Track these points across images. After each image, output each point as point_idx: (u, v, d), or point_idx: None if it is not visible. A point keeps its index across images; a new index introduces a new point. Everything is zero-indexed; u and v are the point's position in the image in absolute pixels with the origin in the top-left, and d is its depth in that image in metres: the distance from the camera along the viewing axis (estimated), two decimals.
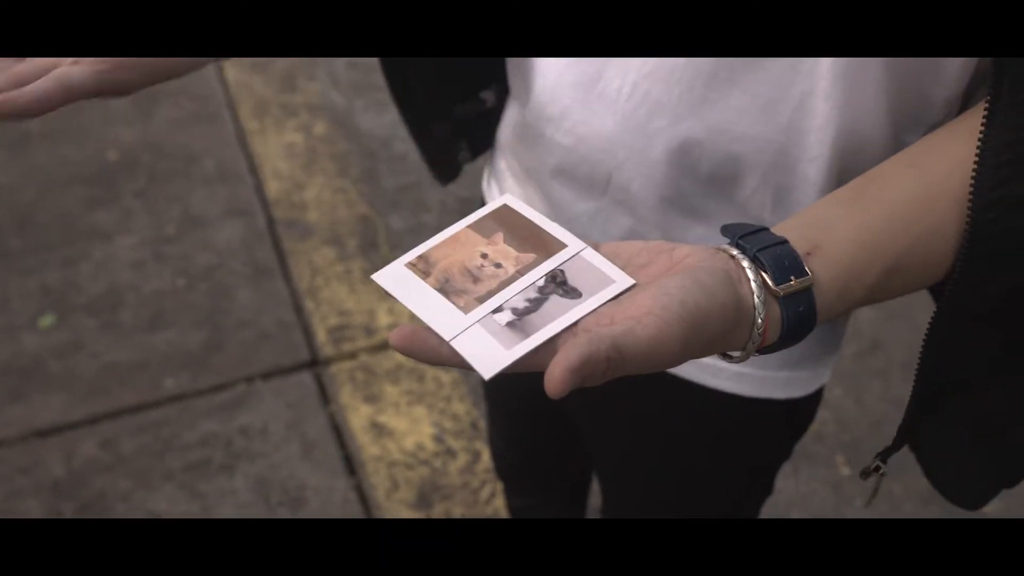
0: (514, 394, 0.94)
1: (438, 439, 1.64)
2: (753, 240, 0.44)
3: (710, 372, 0.68)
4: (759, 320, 0.42)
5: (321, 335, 1.81)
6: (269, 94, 2.47)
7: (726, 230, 0.46)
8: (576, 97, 0.61)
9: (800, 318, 0.44)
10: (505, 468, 1.10)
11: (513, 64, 0.68)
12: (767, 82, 0.54)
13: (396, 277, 0.47)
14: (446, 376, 1.75)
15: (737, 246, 0.44)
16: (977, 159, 0.45)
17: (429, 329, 0.42)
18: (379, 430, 1.64)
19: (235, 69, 2.54)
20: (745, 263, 0.43)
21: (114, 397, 1.68)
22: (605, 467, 0.86)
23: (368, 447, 1.62)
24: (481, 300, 0.44)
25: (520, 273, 0.45)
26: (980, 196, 0.45)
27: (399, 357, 1.78)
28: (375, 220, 2.09)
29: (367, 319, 1.85)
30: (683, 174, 0.59)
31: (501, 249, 0.47)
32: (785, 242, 0.44)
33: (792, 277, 0.43)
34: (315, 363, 1.76)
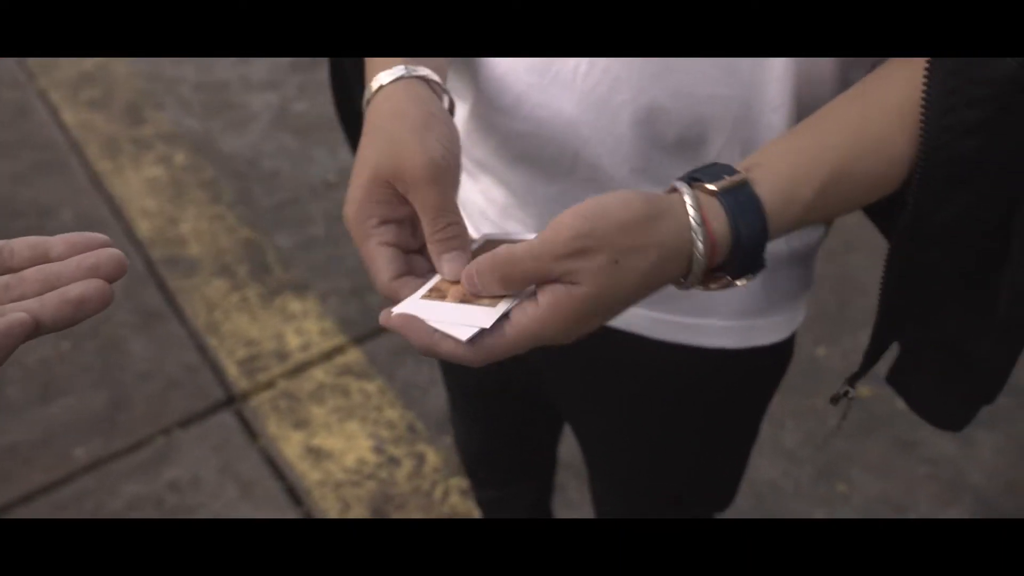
0: (474, 376, 0.93)
1: (378, 450, 1.60)
2: (690, 173, 0.48)
3: (693, 331, 0.68)
4: (691, 210, 0.45)
5: (232, 370, 1.74)
6: (116, 130, 2.33)
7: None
8: (530, 83, 0.60)
9: (750, 222, 0.46)
10: (472, 460, 1.09)
11: (459, 66, 0.66)
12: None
13: (416, 308, 0.48)
14: (371, 385, 1.71)
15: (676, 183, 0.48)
16: (925, 86, 0.47)
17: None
18: (316, 454, 1.59)
19: (71, 110, 2.39)
20: (678, 184, 0.47)
21: (22, 480, 1.56)
22: (592, 442, 0.87)
23: (309, 474, 1.56)
24: (497, 300, 0.47)
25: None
26: (931, 123, 0.47)
27: (319, 376, 1.72)
28: (261, 242, 2.01)
29: (276, 344, 1.79)
30: (651, 143, 0.60)
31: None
32: (717, 164, 0.48)
33: (725, 176, 0.46)
34: (232, 400, 1.69)
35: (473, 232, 0.74)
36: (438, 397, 1.69)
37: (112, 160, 2.24)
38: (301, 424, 1.64)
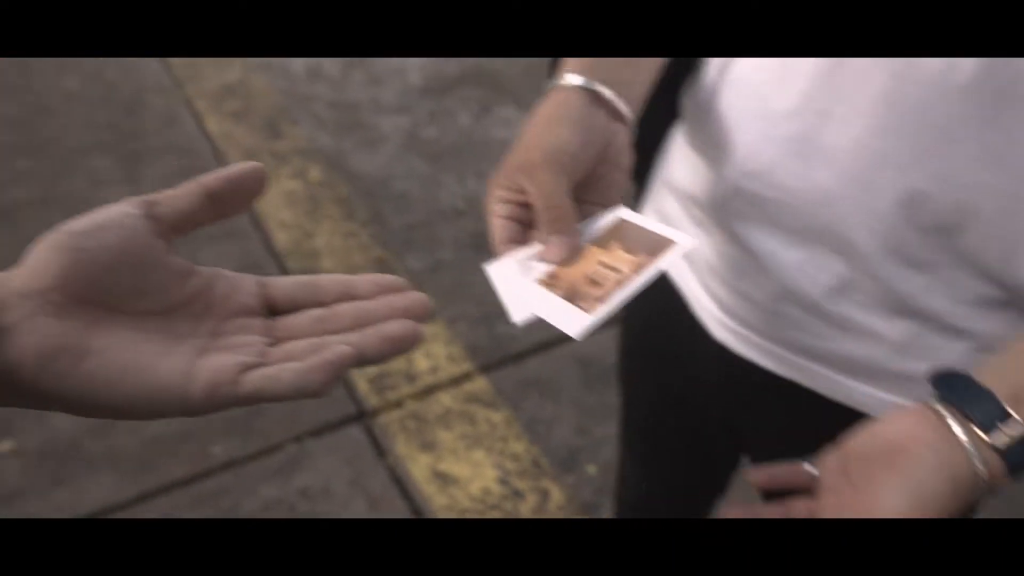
0: (657, 413, 0.94)
1: (503, 481, 1.64)
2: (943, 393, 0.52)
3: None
4: (978, 466, 0.49)
5: (362, 385, 1.79)
6: (256, 142, 2.43)
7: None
8: (788, 151, 0.62)
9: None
10: (634, 499, 1.10)
11: (696, 111, 0.69)
12: (1000, 130, 0.56)
13: (530, 296, 0.54)
14: (496, 415, 1.75)
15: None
16: None
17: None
18: (443, 479, 1.63)
19: (215, 120, 2.49)
20: (958, 434, 0.50)
21: (162, 471, 1.63)
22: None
23: (435, 497, 1.60)
24: (601, 300, 0.52)
25: (636, 273, 0.54)
26: None
27: (446, 401, 1.77)
28: (392, 262, 2.08)
29: (405, 365, 1.84)
30: (908, 224, 0.61)
31: (617, 256, 0.56)
32: (971, 384, 0.51)
33: (997, 423, 0.49)
34: (363, 415, 1.74)
35: (700, 290, 0.77)
36: (563, 434, 1.72)
37: None
38: (428, 447, 1.69)
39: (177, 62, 2.70)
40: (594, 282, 0.53)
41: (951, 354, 0.65)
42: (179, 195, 0.43)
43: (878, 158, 0.59)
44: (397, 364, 1.83)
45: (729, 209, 0.68)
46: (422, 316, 0.44)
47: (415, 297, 0.44)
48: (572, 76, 0.58)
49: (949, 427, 0.49)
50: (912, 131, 0.58)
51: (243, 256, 2.05)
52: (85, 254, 0.39)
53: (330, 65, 2.74)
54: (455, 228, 2.18)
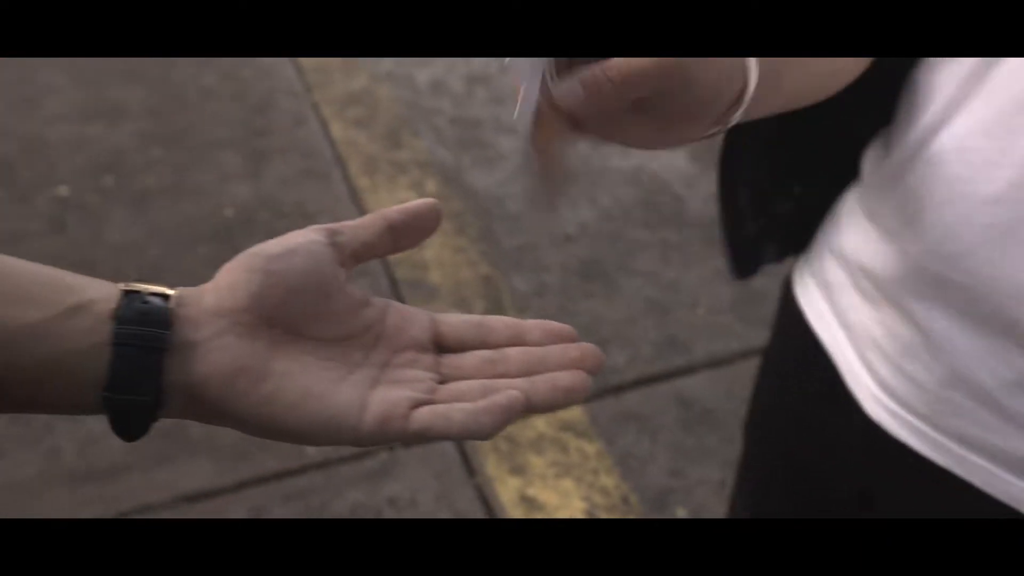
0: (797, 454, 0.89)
1: (590, 514, 1.61)
2: None
3: None
4: None
5: None
6: (376, 151, 2.48)
7: None
8: (986, 238, 0.58)
9: None
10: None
11: (882, 180, 0.66)
12: None
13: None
14: (590, 446, 1.72)
15: None
16: None
17: None
18: (530, 504, 1.62)
19: (339, 125, 2.56)
20: None
21: (258, 463, 1.66)
22: None
23: None
24: None
25: None
26: None
27: (539, 426, 1.75)
28: (499, 281, 2.08)
29: None
30: None
31: None
32: None
33: None
34: None
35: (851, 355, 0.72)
36: (656, 473, 1.68)
37: (370, 178, 2.38)
38: (518, 470, 1.67)
39: (309, 67, 2.78)
40: None
41: None
42: (362, 225, 0.45)
43: None
44: None
45: (907, 287, 0.64)
46: (594, 368, 0.43)
47: (589, 349, 0.43)
48: None
49: None
50: None
51: None
52: (275, 276, 0.41)
53: (455, 80, 2.78)
54: (564, 253, 2.17)
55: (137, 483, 1.60)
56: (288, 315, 0.41)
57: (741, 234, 0.80)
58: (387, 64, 2.83)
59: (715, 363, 1.90)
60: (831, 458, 0.78)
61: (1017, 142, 0.55)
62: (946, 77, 0.60)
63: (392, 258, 2.12)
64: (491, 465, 1.68)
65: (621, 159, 2.48)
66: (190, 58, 2.76)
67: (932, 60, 0.63)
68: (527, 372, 0.43)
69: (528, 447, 1.71)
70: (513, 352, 0.44)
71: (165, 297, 0.41)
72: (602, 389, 1.83)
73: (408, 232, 0.46)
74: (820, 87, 0.59)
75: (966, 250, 0.59)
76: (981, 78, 0.58)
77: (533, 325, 0.45)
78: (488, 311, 2.00)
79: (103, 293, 0.40)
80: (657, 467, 1.69)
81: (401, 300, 2.00)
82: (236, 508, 1.58)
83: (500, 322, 0.45)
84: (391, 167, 2.42)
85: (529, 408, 0.41)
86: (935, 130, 0.60)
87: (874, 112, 0.70)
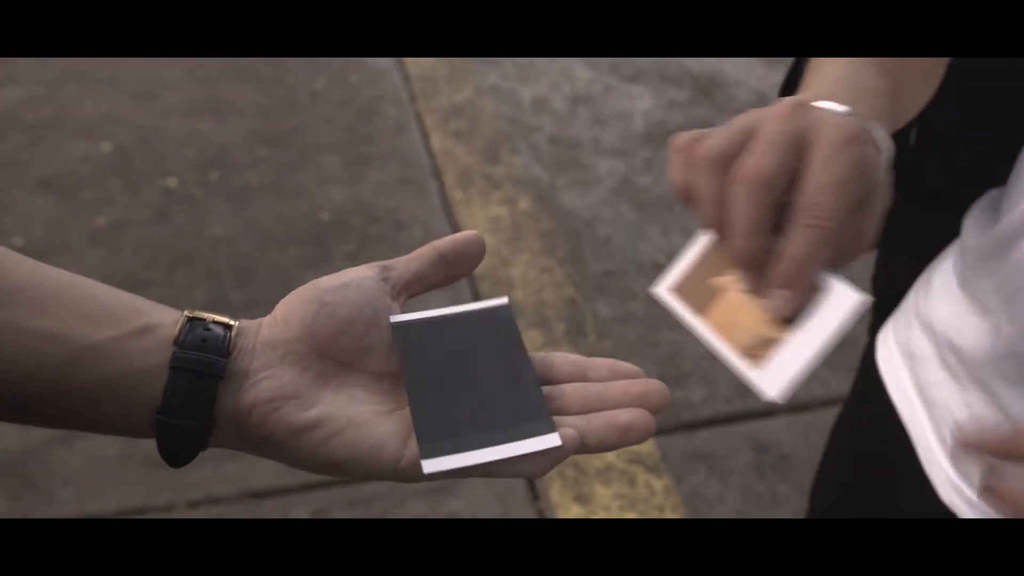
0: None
1: None
2: None
3: None
4: None
5: None
6: (473, 164, 2.50)
7: None
8: None
9: None
10: None
11: (983, 250, 0.61)
12: None
13: (776, 376, 0.44)
14: (658, 482, 1.68)
15: None
16: None
17: None
18: None
19: (439, 136, 2.58)
20: None
21: None
22: None
23: None
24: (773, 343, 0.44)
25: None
26: None
27: (609, 457, 1.72)
28: (582, 305, 2.06)
29: None
30: None
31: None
32: None
33: None
34: None
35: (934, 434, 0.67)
36: (723, 515, 1.63)
37: (464, 191, 2.39)
38: (583, 499, 1.64)
39: (416, 76, 2.82)
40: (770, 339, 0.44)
41: None
42: (414, 258, 0.46)
43: None
44: None
45: (996, 368, 0.60)
46: (658, 407, 0.42)
47: (654, 385, 0.42)
48: (830, 104, 0.45)
49: None
50: None
51: None
52: (328, 307, 0.42)
53: (558, 100, 2.77)
54: (651, 281, 2.12)
55: (209, 475, 1.64)
56: (340, 347, 0.42)
57: None
58: (492, 78, 2.85)
59: (796, 408, 1.83)
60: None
61: None
62: None
63: (477, 273, 2.12)
64: (555, 492, 1.65)
65: None
66: (302, 60, 2.85)
67: None
68: (586, 409, 0.42)
69: (595, 476, 1.68)
70: (572, 388, 0.43)
71: (227, 327, 0.42)
72: (676, 425, 1.78)
73: (459, 261, 0.46)
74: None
75: None
76: None
77: (598, 363, 0.44)
78: (569, 334, 1.98)
79: (169, 318, 0.42)
80: (724, 509, 1.63)
81: None
82: (299, 508, 1.61)
83: (563, 359, 0.45)
84: (486, 181, 2.43)
85: (583, 448, 0.41)
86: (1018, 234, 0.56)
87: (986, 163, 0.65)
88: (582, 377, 0.44)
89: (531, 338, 1.96)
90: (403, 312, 0.45)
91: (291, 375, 0.41)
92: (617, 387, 0.43)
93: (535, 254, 2.20)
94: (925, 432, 0.67)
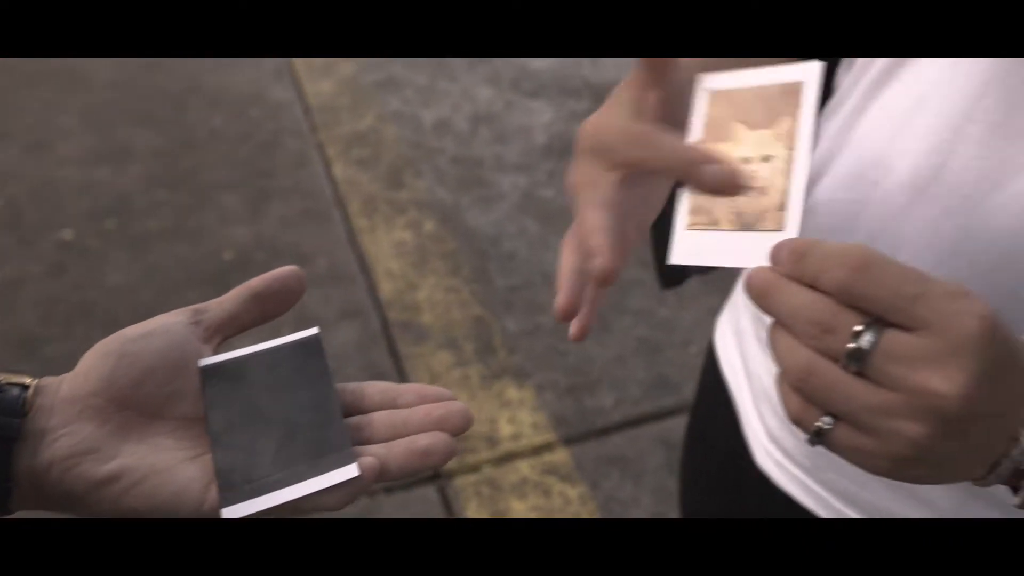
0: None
1: None
2: None
3: None
4: None
5: None
6: (377, 190, 2.50)
7: None
8: None
9: None
10: None
11: None
12: None
13: (690, 248, 0.44)
14: (573, 490, 1.69)
15: None
16: None
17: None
18: None
19: (342, 165, 2.58)
20: None
21: None
22: None
23: None
24: (783, 207, 0.41)
25: (792, 146, 0.41)
26: None
27: (524, 470, 1.73)
28: (490, 322, 2.07)
29: (488, 429, 1.82)
30: None
31: (753, 139, 0.43)
32: None
33: None
34: (438, 476, 1.72)
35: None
36: (639, 517, 1.65)
37: (369, 218, 2.39)
38: (499, 515, 1.65)
39: (317, 107, 2.82)
40: (756, 190, 0.42)
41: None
42: (228, 299, 0.46)
43: None
44: (480, 428, 1.81)
45: None
46: (458, 428, 0.42)
47: (455, 408, 0.43)
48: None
49: None
50: (980, 289, 0.52)
51: (347, 302, 2.10)
52: (128, 358, 0.42)
53: (460, 120, 2.79)
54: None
55: None
56: (143, 396, 0.42)
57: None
58: (394, 103, 2.86)
59: (675, 412, 1.86)
60: (735, 510, 0.76)
61: (872, 194, 0.54)
62: (829, 128, 0.59)
63: (385, 299, 2.12)
64: (471, 510, 1.66)
65: None
66: (203, 99, 2.82)
67: (828, 107, 0.62)
68: (392, 436, 0.43)
69: (510, 492, 1.69)
70: (380, 416, 0.44)
71: (24, 387, 0.41)
72: (588, 432, 1.80)
73: (273, 299, 0.47)
74: None
75: None
76: (846, 135, 0.57)
77: (408, 389, 0.45)
78: (478, 352, 1.99)
79: None
80: (640, 510, 1.66)
81: (392, 342, 2.00)
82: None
83: (375, 387, 0.45)
84: (390, 207, 2.44)
85: (385, 474, 0.41)
86: (813, 182, 0.59)
87: None
88: (392, 404, 0.45)
89: (441, 359, 1.97)
90: (220, 353, 0.45)
91: (89, 429, 0.41)
92: (420, 412, 0.43)
93: (441, 275, 2.21)
94: (745, 403, 0.71)
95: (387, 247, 2.29)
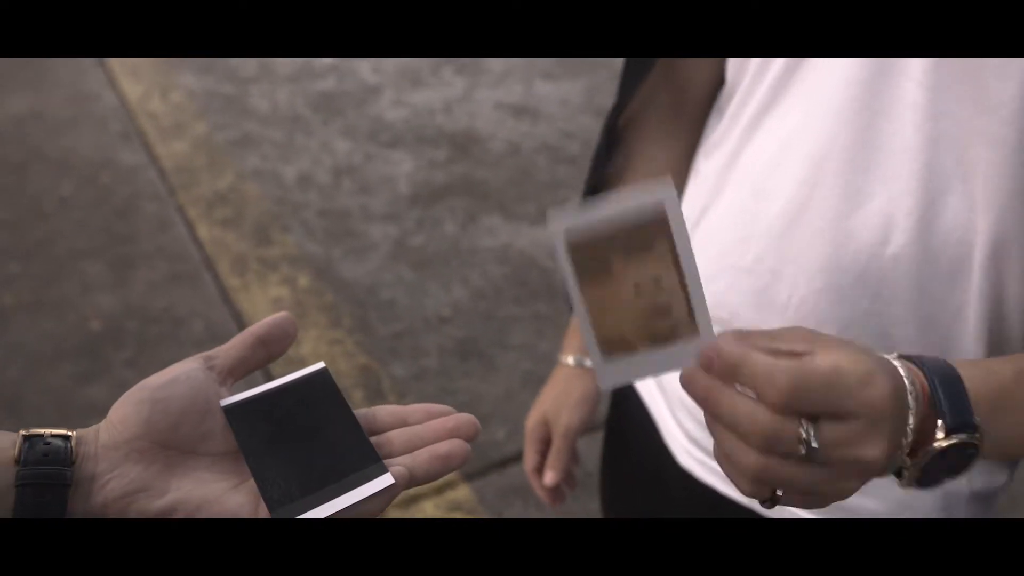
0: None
1: None
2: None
3: None
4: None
5: None
6: (246, 249, 2.48)
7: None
8: (748, 303, 0.67)
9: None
10: None
11: None
12: (928, 297, 0.61)
13: (615, 373, 0.47)
14: None
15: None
16: None
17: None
18: None
19: (206, 226, 2.55)
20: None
21: None
22: None
23: None
24: (691, 316, 0.45)
25: (676, 262, 0.44)
26: None
27: (428, 510, 1.76)
28: (377, 370, 2.10)
29: None
30: None
31: (636, 266, 0.45)
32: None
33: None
34: None
35: None
36: None
37: (240, 277, 2.37)
38: None
39: (172, 169, 2.76)
40: (656, 311, 0.45)
41: (903, 495, 0.68)
42: (234, 345, 0.50)
43: (821, 317, 0.64)
44: None
45: None
46: (469, 435, 0.48)
47: (463, 418, 0.49)
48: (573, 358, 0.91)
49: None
50: (851, 295, 0.63)
51: None
52: (161, 403, 0.45)
53: (322, 174, 2.81)
54: (440, 335, 2.21)
55: None
56: (180, 436, 0.46)
57: None
58: (253, 160, 2.85)
59: (595, 428, 1.96)
60: (665, 511, 0.85)
61: (755, 223, 0.65)
62: (711, 165, 0.70)
63: None
64: None
65: (488, 238, 2.56)
66: (47, 167, 2.71)
67: (704, 148, 0.72)
68: (410, 449, 0.48)
69: None
70: (395, 434, 0.49)
71: (66, 437, 0.44)
72: (486, 466, 1.86)
73: (275, 341, 0.51)
74: None
75: (733, 313, 0.68)
76: (729, 171, 0.67)
77: (415, 408, 0.50)
78: (368, 399, 2.01)
79: (6, 441, 0.43)
80: None
81: None
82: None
83: (384, 410, 0.50)
84: (261, 264, 2.42)
85: (413, 480, 0.46)
86: (705, 209, 0.70)
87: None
88: (403, 423, 0.50)
89: None
90: (231, 395, 0.49)
91: (137, 471, 0.44)
92: (433, 426, 0.49)
93: (323, 328, 2.22)
94: (662, 412, 0.80)
95: (263, 304, 2.28)
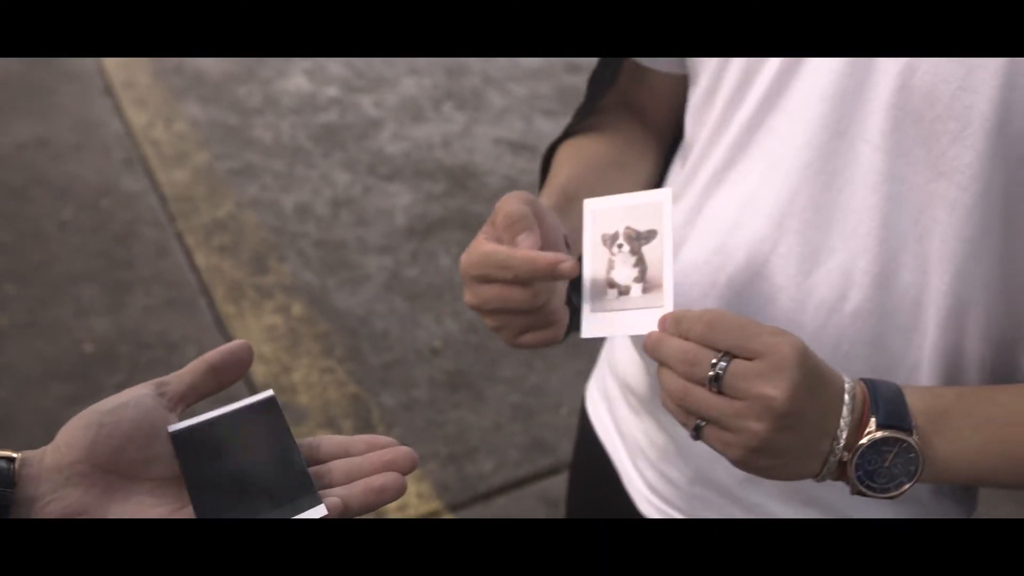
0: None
1: None
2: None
3: None
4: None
5: None
6: (242, 276, 2.50)
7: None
8: None
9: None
10: None
11: None
12: (884, 353, 0.63)
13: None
14: None
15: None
16: None
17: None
18: None
19: (204, 253, 2.57)
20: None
21: None
22: None
23: None
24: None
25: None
26: None
27: None
28: (367, 400, 2.11)
29: None
30: None
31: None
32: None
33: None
34: None
35: (632, 471, 0.80)
36: None
37: (235, 304, 2.39)
38: None
39: (172, 196, 2.80)
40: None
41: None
42: (187, 372, 0.51)
43: None
44: None
45: (656, 399, 0.73)
46: (407, 468, 0.49)
47: (401, 451, 0.49)
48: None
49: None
50: (812, 341, 0.64)
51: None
52: (107, 428, 0.46)
53: (320, 205, 2.85)
54: (431, 367, 2.22)
55: None
56: (123, 461, 0.46)
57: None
58: (252, 190, 2.88)
59: (560, 469, 1.96)
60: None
61: (720, 275, 0.67)
62: (677, 210, 0.71)
63: (260, 382, 2.12)
64: None
65: None
66: (48, 191, 2.74)
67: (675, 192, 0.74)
68: (349, 480, 0.48)
69: None
70: (336, 464, 0.50)
71: (10, 459, 0.45)
72: (472, 497, 1.86)
73: (227, 369, 0.52)
74: None
75: None
76: (690, 227, 0.68)
77: (358, 440, 0.51)
78: (357, 429, 2.02)
79: None
80: None
81: None
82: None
83: (328, 440, 0.51)
84: (257, 292, 2.45)
85: (347, 512, 0.47)
86: (678, 247, 0.71)
87: None
88: (345, 454, 0.51)
89: None
90: (181, 420, 0.50)
91: (76, 494, 0.45)
92: (371, 458, 0.50)
93: (315, 356, 2.23)
94: (623, 461, 0.81)
95: (257, 332, 2.30)
